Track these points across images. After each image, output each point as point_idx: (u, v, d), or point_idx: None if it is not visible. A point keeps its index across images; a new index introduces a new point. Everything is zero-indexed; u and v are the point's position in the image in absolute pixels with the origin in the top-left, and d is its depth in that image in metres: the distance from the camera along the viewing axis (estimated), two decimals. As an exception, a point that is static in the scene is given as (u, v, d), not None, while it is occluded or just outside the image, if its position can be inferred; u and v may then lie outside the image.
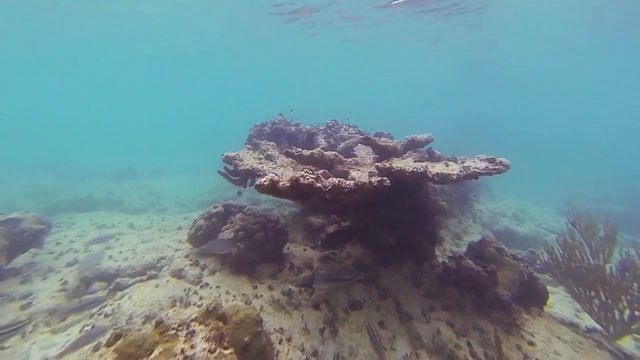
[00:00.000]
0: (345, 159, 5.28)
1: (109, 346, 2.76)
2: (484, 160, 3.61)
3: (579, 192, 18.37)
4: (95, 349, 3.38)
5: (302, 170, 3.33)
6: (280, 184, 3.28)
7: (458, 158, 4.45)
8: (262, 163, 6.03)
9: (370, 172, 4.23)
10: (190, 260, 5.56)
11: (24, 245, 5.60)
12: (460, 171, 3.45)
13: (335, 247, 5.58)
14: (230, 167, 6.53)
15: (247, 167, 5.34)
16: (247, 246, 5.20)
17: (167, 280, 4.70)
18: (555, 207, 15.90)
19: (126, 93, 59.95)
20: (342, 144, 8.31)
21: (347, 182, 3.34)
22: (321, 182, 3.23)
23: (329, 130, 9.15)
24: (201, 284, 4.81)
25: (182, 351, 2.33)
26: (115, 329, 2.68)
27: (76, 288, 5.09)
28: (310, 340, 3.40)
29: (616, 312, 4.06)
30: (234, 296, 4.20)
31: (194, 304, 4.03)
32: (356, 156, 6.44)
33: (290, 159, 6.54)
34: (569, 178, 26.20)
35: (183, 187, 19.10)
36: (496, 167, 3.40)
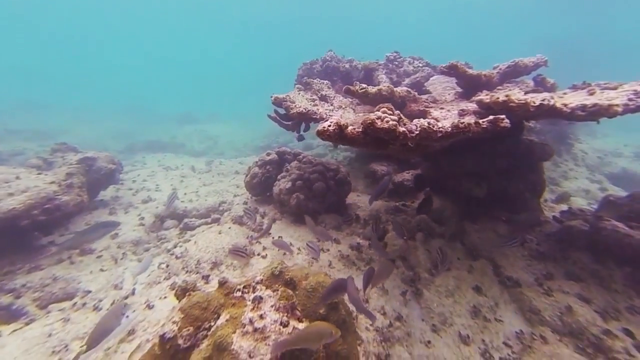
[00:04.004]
0: (419, 97, 4.21)
1: (177, 297, 2.74)
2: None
3: None
4: (172, 287, 3.55)
5: (379, 111, 2.52)
6: (350, 129, 2.57)
7: (600, 84, 3.10)
8: (316, 105, 5.26)
9: (463, 109, 3.20)
10: (250, 207, 5.51)
11: (103, 182, 6.16)
12: (631, 99, 2.24)
13: (405, 198, 4.93)
14: (281, 111, 5.91)
15: (301, 109, 4.64)
16: (306, 196, 4.86)
17: (229, 227, 4.73)
18: None
19: (183, 39, 60.73)
20: (407, 80, 6.93)
21: (440, 125, 2.46)
22: (405, 125, 2.42)
23: (390, 65, 7.67)
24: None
25: (251, 321, 2.11)
26: (181, 282, 2.70)
27: (152, 224, 5.57)
28: (391, 301, 3.01)
29: None
30: (299, 249, 3.99)
31: (258, 254, 3.95)
32: (430, 92, 5.21)
33: (350, 99, 5.63)
34: None
35: (237, 132, 19.77)
36: None
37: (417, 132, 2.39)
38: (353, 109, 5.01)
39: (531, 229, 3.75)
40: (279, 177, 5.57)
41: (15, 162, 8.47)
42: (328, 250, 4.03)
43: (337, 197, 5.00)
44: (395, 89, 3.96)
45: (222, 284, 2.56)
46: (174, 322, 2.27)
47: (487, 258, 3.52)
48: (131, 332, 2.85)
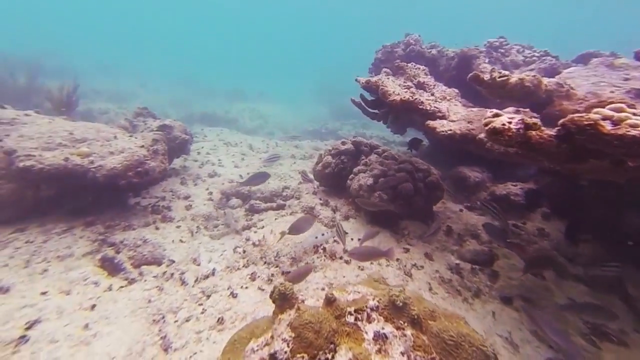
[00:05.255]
0: (574, 92, 3.27)
1: (274, 301, 2.36)
2: None
3: None
4: (252, 277, 3.26)
5: (604, 108, 1.75)
6: (536, 132, 1.84)
7: None
8: (413, 93, 4.51)
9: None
10: (320, 199, 5.07)
11: (176, 152, 6.14)
12: None
13: (508, 216, 4.08)
14: (370, 96, 5.26)
15: (405, 97, 3.95)
16: (390, 197, 4.25)
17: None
18: None
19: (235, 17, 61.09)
20: (517, 72, 5.79)
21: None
22: None
23: (493, 53, 6.53)
24: (337, 229, 4.27)
25: (384, 373, 1.61)
26: (278, 284, 2.34)
27: (219, 200, 5.42)
28: (524, 360, 2.35)
29: None
30: (387, 260, 3.44)
31: (340, 258, 3.48)
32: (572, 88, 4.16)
33: (456, 90, 4.77)
34: None
35: (284, 113, 19.89)
36: None
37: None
38: (462, 103, 4.20)
39: None
40: (355, 170, 5.00)
41: (103, 120, 8.98)
42: (422, 267, 3.42)
43: (425, 201, 4.32)
44: (542, 79, 3.08)
45: (331, 301, 2.08)
46: (284, 341, 1.87)
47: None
48: (220, 321, 2.66)
